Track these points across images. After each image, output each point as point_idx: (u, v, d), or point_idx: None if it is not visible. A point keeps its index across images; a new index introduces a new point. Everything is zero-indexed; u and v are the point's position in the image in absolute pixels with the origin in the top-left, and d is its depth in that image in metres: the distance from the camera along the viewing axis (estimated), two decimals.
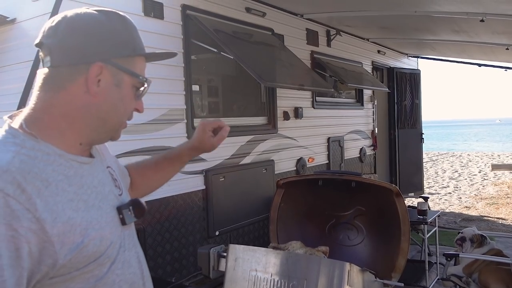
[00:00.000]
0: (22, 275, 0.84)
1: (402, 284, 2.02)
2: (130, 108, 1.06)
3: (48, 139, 0.95)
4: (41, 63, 1.01)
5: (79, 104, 0.98)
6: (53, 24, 0.98)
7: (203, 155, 3.81)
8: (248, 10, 4.36)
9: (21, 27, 2.91)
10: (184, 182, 3.64)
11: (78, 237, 0.90)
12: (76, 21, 0.98)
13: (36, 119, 0.96)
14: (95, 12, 1.00)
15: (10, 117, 0.99)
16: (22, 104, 2.59)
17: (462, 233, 4.57)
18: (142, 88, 1.05)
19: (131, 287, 1.04)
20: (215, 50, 3.82)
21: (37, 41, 1.00)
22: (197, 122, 3.80)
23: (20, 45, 2.91)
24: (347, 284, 1.84)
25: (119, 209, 1.04)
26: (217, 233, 3.89)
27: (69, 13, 1.00)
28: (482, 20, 4.63)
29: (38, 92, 0.99)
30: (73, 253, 0.89)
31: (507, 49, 6.39)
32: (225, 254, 2.08)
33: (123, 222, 1.04)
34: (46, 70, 0.99)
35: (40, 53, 1.00)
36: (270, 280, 1.97)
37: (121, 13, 1.05)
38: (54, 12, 2.71)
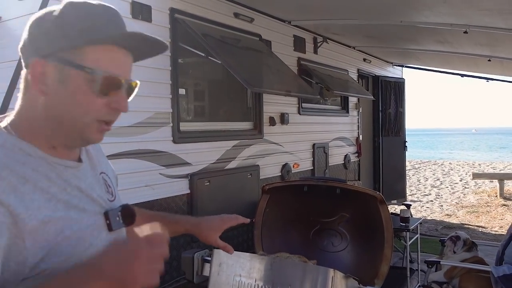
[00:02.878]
0: None
1: None
2: (93, 106, 0.93)
3: (31, 141, 0.94)
4: None
5: (37, 105, 0.94)
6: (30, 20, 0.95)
7: (188, 159, 3.81)
8: (236, 15, 4.37)
9: (6, 26, 2.87)
10: (169, 186, 3.62)
11: (52, 236, 0.88)
12: (41, 15, 0.94)
13: (16, 122, 0.96)
14: (60, 5, 0.94)
15: (5, 116, 0.98)
16: (5, 104, 2.55)
17: (456, 233, 4.69)
18: (97, 80, 0.91)
19: None
20: (203, 54, 3.82)
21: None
22: (183, 125, 3.78)
23: (5, 44, 2.87)
24: None
25: (107, 214, 1.01)
26: None
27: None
28: (465, 32, 4.73)
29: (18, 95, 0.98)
30: (45, 250, 0.87)
31: (489, 60, 6.53)
32: (209, 258, 2.07)
33: (109, 227, 1.01)
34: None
35: None
36: (254, 285, 1.97)
37: (93, 2, 0.96)
38: None
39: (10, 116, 0.97)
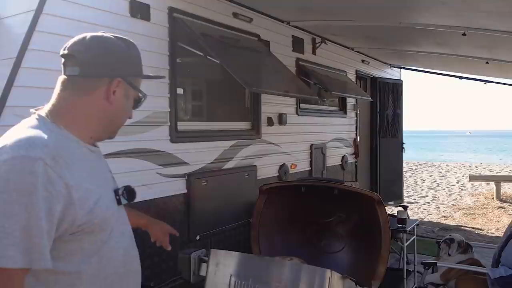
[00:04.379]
0: (52, 228, 1.12)
1: None
2: (129, 115, 1.39)
3: (69, 129, 1.25)
4: (63, 69, 1.30)
5: (98, 107, 1.29)
6: (85, 42, 1.28)
7: (185, 158, 3.80)
8: (235, 15, 4.36)
9: (4, 23, 2.85)
10: (166, 186, 3.60)
11: (91, 203, 1.18)
12: (106, 44, 1.30)
13: (60, 114, 1.26)
14: (115, 38, 1.32)
15: (36, 110, 1.27)
16: (2, 102, 2.53)
17: (451, 235, 4.70)
18: (141, 101, 1.41)
19: (125, 253, 1.34)
20: (201, 54, 3.80)
21: (64, 52, 1.29)
22: (181, 125, 3.77)
23: (2, 42, 2.85)
24: None
25: (116, 192, 1.33)
26: (198, 237, 3.86)
27: (97, 35, 1.31)
28: (464, 34, 4.73)
29: (63, 93, 1.28)
30: (87, 215, 1.17)
31: (487, 63, 6.54)
32: (206, 258, 2.06)
33: (118, 202, 1.33)
34: (72, 77, 1.27)
35: (66, 62, 1.29)
36: (251, 285, 1.96)
37: (132, 41, 1.36)
38: (39, 9, 2.66)
39: (44, 110, 1.27)
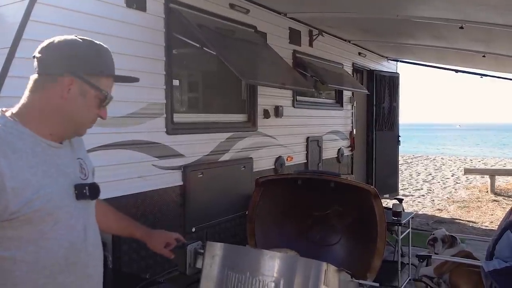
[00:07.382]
0: None
1: (378, 284, 2.03)
2: (93, 114, 1.39)
3: (27, 125, 1.31)
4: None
5: (52, 105, 1.33)
6: (49, 44, 1.35)
7: (181, 150, 3.79)
8: (232, 6, 4.33)
9: None
10: (162, 178, 3.59)
11: (29, 193, 1.22)
12: (60, 43, 1.35)
13: (21, 111, 1.33)
14: (79, 39, 1.36)
15: (5, 110, 1.34)
16: None
17: (433, 234, 4.68)
18: (105, 100, 1.38)
19: (72, 246, 1.34)
20: (197, 45, 3.78)
21: (34, 53, 1.37)
22: (176, 117, 3.76)
23: None
24: (324, 284, 1.84)
25: (76, 187, 1.37)
26: (193, 229, 3.85)
27: (63, 38, 1.36)
28: (461, 27, 4.72)
29: (26, 92, 1.35)
30: (23, 203, 1.21)
31: (484, 56, 6.54)
32: (202, 251, 2.06)
33: (76, 197, 1.36)
34: (34, 75, 1.35)
35: (35, 63, 1.36)
36: (247, 278, 1.96)
37: (100, 43, 1.39)
38: None
39: (15, 107, 1.34)
